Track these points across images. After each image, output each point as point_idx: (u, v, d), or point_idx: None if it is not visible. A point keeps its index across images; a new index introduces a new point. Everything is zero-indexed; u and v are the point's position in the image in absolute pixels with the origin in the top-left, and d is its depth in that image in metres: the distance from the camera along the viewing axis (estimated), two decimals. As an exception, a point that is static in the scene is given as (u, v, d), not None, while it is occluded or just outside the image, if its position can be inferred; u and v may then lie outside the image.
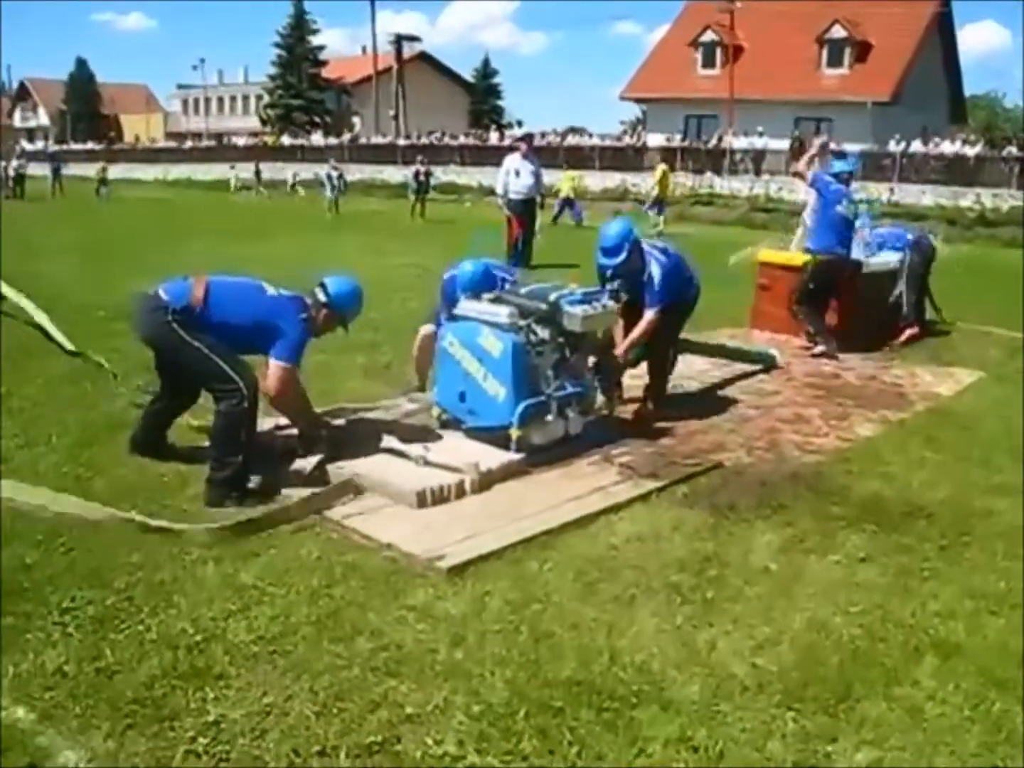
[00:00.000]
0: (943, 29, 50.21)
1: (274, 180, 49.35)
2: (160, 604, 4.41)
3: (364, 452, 6.20)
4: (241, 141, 65.11)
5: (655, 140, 45.48)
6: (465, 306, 6.72)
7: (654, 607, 4.55)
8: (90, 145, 74.48)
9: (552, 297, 6.57)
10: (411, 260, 16.93)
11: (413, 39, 69.94)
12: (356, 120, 69.51)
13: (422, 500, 5.66)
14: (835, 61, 46.08)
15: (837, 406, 8.35)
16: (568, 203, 30.72)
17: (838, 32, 45.67)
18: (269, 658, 4.00)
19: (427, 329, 7.42)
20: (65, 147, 73.65)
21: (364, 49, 74.79)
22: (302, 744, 3.44)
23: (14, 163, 42.97)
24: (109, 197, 41.02)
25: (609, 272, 7.28)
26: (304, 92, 72.97)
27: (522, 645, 4.16)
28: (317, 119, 71.32)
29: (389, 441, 6.28)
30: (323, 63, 75.21)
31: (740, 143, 41.30)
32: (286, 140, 61.69)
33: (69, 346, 9.07)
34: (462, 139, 53.17)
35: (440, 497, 5.74)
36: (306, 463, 5.99)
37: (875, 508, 5.88)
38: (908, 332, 11.32)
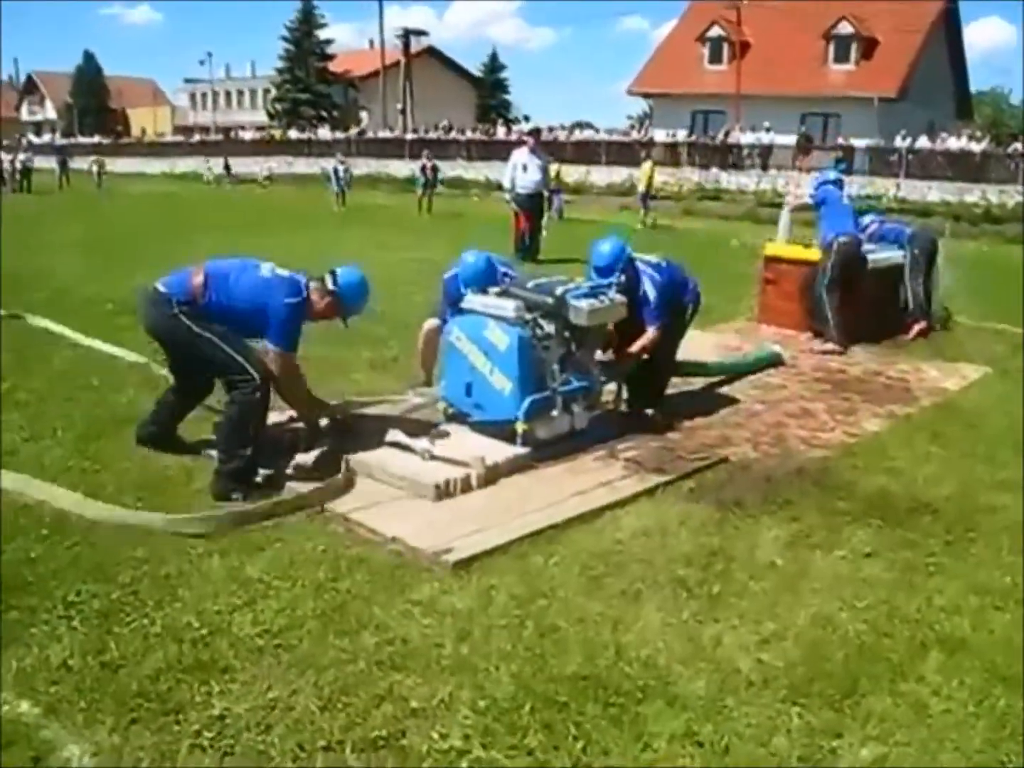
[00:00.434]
0: (949, 25, 50.15)
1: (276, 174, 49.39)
2: (165, 598, 4.41)
3: (370, 446, 6.21)
4: (248, 135, 65.02)
5: (661, 135, 45.43)
6: (471, 300, 6.71)
7: (660, 602, 4.55)
8: (97, 139, 74.44)
9: (558, 291, 6.56)
10: (418, 255, 16.91)
11: (421, 33, 69.79)
12: (363, 114, 69.52)
13: (440, 493, 5.69)
14: (842, 57, 46.01)
15: (843, 401, 8.34)
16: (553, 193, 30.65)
17: (845, 28, 45.61)
18: (274, 652, 4.00)
19: (431, 323, 7.40)
20: (72, 141, 73.58)
21: (371, 43, 74.55)
22: (307, 738, 3.44)
23: (21, 156, 43.05)
24: (106, 190, 41.23)
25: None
26: (311, 86, 72.93)
27: (528, 640, 4.16)
28: (324, 113, 71.23)
29: (395, 435, 6.27)
30: (330, 57, 75.15)
31: (747, 139, 41.24)
32: (293, 134, 61.64)
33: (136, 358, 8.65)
34: (469, 134, 53.09)
35: (457, 489, 5.78)
36: (308, 457, 5.99)
37: (881, 503, 5.88)
38: (917, 327, 11.30)
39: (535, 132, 20.77)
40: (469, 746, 3.43)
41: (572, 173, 37.92)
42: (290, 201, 36.92)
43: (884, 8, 44.23)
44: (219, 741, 3.42)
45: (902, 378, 9.29)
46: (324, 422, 6.42)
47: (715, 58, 49.45)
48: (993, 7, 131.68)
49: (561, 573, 4.80)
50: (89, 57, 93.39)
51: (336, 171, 33.51)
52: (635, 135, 49.47)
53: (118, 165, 57.17)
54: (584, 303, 6.51)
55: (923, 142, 37.73)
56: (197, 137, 70.30)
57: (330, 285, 6.09)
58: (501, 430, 6.40)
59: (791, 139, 39.08)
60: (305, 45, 73.56)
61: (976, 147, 37.33)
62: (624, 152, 43.03)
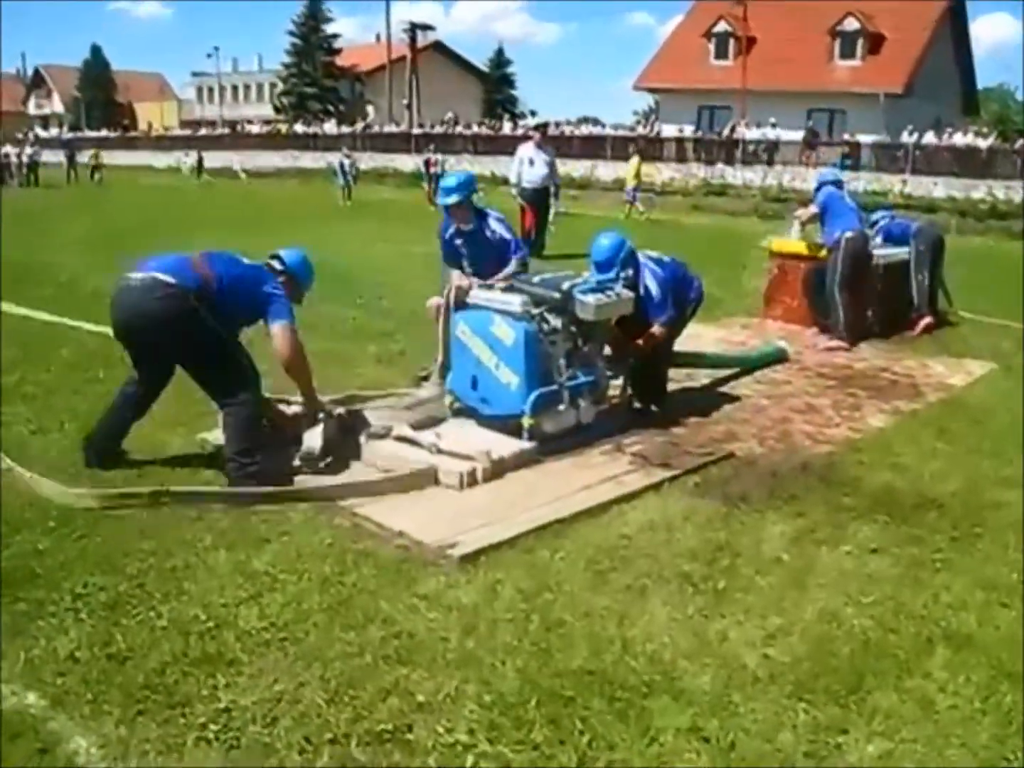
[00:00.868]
0: (955, 21, 50.07)
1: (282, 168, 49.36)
2: (172, 590, 4.42)
3: (377, 440, 6.21)
4: (255, 129, 65.03)
5: (668, 131, 45.40)
6: (478, 295, 6.72)
7: (666, 597, 4.54)
8: (104, 132, 74.47)
9: (565, 286, 6.56)
10: (425, 249, 16.89)
11: (427, 28, 69.79)
12: (370, 109, 69.43)
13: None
14: (848, 53, 45.94)
15: (849, 397, 8.33)
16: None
17: (851, 24, 45.53)
18: (281, 645, 4.01)
19: (435, 300, 7.43)
20: (79, 134, 73.59)
21: (378, 38, 74.68)
22: (313, 731, 3.44)
23: (28, 150, 43.08)
24: (101, 182, 41.39)
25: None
26: (318, 80, 72.95)
27: (534, 634, 4.16)
28: (331, 107, 71.23)
29: (401, 429, 6.28)
30: (337, 51, 75.16)
31: (753, 134, 41.19)
32: (299, 128, 61.61)
33: None
34: (475, 128, 53.06)
35: (465, 482, 5.81)
36: (314, 444, 5.97)
37: (887, 499, 5.87)
38: (923, 323, 11.28)
39: (541, 127, 20.76)
40: (475, 740, 3.43)
41: (578, 168, 37.97)
42: (296, 195, 36.93)
43: (890, 4, 44.08)
44: (225, 734, 3.42)
45: (908, 374, 9.28)
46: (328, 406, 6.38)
47: (721, 54, 49.38)
48: (1000, 3, 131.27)
49: (567, 567, 4.80)
50: (96, 51, 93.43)
51: (342, 165, 33.50)
52: (641, 130, 49.43)
53: (125, 158, 57.39)
54: (591, 298, 6.51)
55: (929, 138, 37.69)
56: (203, 131, 70.26)
57: (279, 266, 6.08)
58: (507, 424, 6.41)
59: (797, 135, 39.04)
60: (312, 40, 73.58)
61: (982, 143, 37.25)
62: (631, 147, 43.00)
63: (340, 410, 6.38)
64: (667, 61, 50.51)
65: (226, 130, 68.72)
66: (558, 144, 31.76)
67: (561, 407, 6.48)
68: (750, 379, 8.80)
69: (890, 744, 3.49)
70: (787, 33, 45.57)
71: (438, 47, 77.98)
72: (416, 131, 53.28)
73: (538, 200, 17.51)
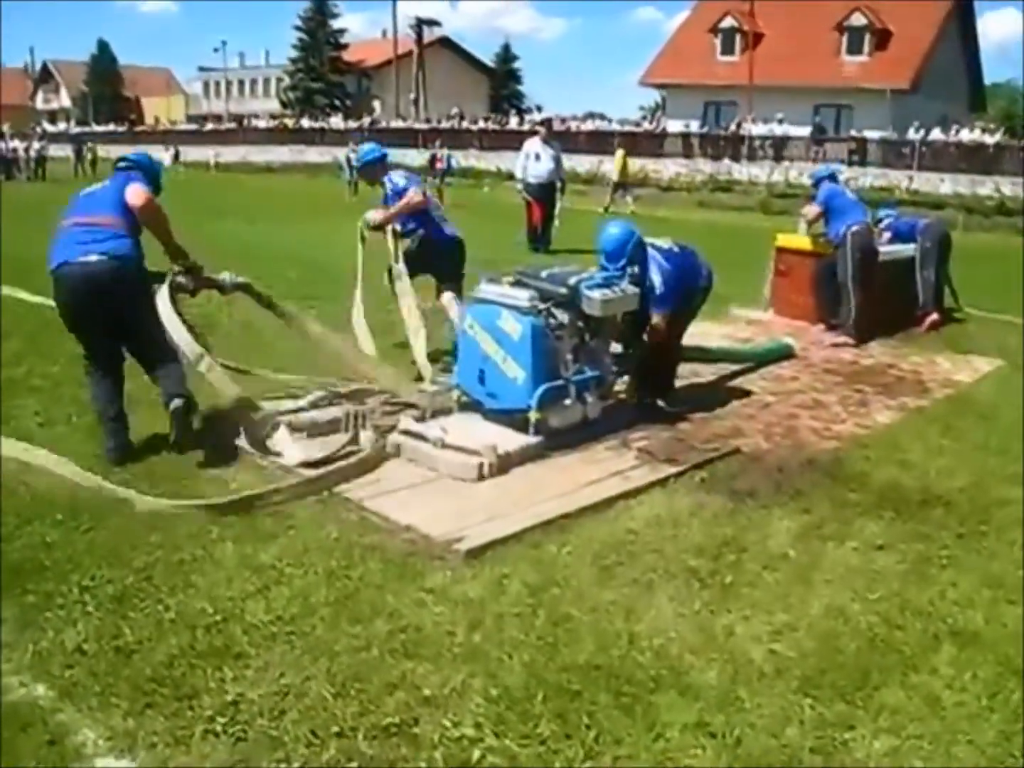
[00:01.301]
0: (963, 17, 49.86)
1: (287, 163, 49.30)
2: (179, 584, 4.43)
3: (383, 433, 6.23)
4: (262, 123, 65.05)
5: (674, 126, 45.35)
6: (485, 289, 6.72)
7: (672, 592, 4.55)
8: (111, 127, 74.52)
9: (572, 281, 6.56)
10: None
11: (434, 23, 69.65)
12: (376, 104, 69.46)
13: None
14: (855, 49, 45.79)
15: (855, 393, 8.33)
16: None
17: (858, 20, 45.39)
18: (287, 638, 4.01)
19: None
20: (87, 129, 73.62)
21: (384, 33, 74.55)
22: (320, 724, 3.45)
23: (36, 145, 43.16)
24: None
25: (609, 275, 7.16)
26: (324, 76, 72.97)
27: (540, 628, 4.16)
28: (337, 102, 71.22)
29: (407, 423, 6.29)
30: (344, 46, 75.17)
31: (759, 130, 41.12)
32: (306, 123, 61.62)
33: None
34: (481, 123, 53.03)
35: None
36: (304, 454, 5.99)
37: (893, 495, 5.87)
38: (929, 319, 11.27)
39: (547, 122, 20.75)
40: (481, 734, 3.44)
41: (584, 163, 37.99)
42: (302, 190, 36.92)
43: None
44: (232, 726, 3.43)
45: (915, 370, 9.27)
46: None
47: (728, 49, 49.24)
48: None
49: (573, 562, 4.81)
50: (104, 46, 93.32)
51: (349, 160, 33.47)
52: (647, 126, 49.38)
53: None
54: (597, 293, 6.51)
55: (936, 134, 37.61)
56: (210, 126, 70.29)
57: (125, 164, 6.58)
58: (514, 419, 6.41)
59: (803, 131, 38.99)
60: (319, 34, 73.59)
61: (989, 139, 37.17)
62: (637, 142, 42.96)
63: (225, 275, 6.84)
64: (673, 57, 50.40)
65: (232, 125, 68.65)
66: (564, 139, 31.73)
67: (567, 402, 6.48)
68: (756, 375, 8.79)
69: (897, 741, 3.49)
70: (794, 29, 45.45)
71: (444, 42, 77.86)
72: (423, 126, 53.26)
73: (544, 195, 17.50)
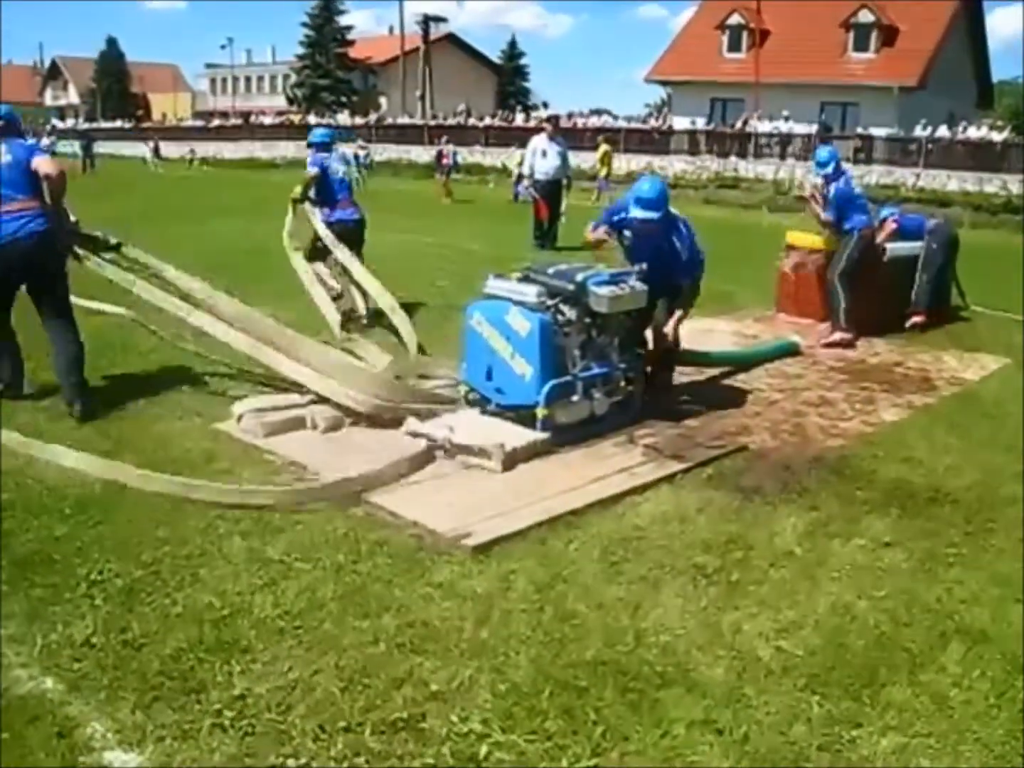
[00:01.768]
0: (971, 13, 49.69)
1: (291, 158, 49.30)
2: (187, 577, 4.44)
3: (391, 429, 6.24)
4: (268, 120, 65.06)
5: (681, 123, 45.30)
6: (493, 285, 6.72)
7: (679, 588, 4.55)
8: (119, 123, 74.59)
9: (579, 278, 6.57)
10: (441, 239, 16.91)
11: (440, 20, 69.72)
12: (383, 100, 69.45)
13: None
14: (862, 45, 45.58)
15: (862, 390, 8.32)
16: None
17: (865, 16, 45.18)
18: (295, 633, 4.02)
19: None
20: (95, 125, 73.66)
21: (391, 29, 74.75)
22: (327, 719, 3.45)
23: (44, 141, 43.17)
24: (96, 171, 41.70)
25: (637, 225, 7.19)
26: (331, 72, 72.96)
27: (547, 624, 4.17)
28: (344, 99, 71.20)
29: (413, 424, 6.29)
30: (350, 43, 75.14)
31: (765, 127, 41.04)
32: (312, 119, 61.58)
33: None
34: (488, 120, 52.97)
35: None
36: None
37: (900, 493, 5.87)
38: (914, 319, 11.20)
39: (554, 119, 20.73)
40: (488, 730, 3.44)
41: (590, 160, 37.92)
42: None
43: (905, -4, 43.94)
44: (240, 720, 3.43)
45: (921, 368, 9.26)
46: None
47: (734, 46, 49.06)
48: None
49: (580, 558, 4.81)
50: (112, 43, 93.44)
51: (357, 157, 33.46)
52: (653, 123, 49.33)
53: (131, 149, 58.00)
54: (604, 290, 6.52)
55: (943, 132, 37.51)
56: (216, 122, 70.28)
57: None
58: (521, 415, 6.41)
59: (810, 128, 38.91)
60: (325, 31, 73.59)
61: (996, 137, 37.10)
62: (643, 139, 42.94)
63: (98, 232, 7.38)
64: (680, 53, 50.25)
65: (239, 121, 68.63)
66: (570, 136, 31.70)
67: (575, 398, 6.48)
68: (763, 373, 8.79)
69: (904, 738, 3.49)
70: (800, 25, 45.26)
71: (451, 39, 77.85)
72: (429, 122, 53.23)
73: (550, 192, 17.48)
